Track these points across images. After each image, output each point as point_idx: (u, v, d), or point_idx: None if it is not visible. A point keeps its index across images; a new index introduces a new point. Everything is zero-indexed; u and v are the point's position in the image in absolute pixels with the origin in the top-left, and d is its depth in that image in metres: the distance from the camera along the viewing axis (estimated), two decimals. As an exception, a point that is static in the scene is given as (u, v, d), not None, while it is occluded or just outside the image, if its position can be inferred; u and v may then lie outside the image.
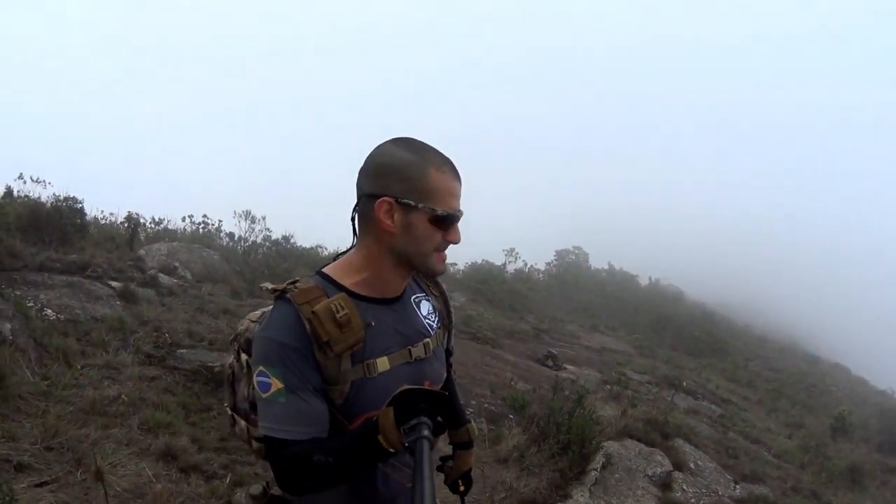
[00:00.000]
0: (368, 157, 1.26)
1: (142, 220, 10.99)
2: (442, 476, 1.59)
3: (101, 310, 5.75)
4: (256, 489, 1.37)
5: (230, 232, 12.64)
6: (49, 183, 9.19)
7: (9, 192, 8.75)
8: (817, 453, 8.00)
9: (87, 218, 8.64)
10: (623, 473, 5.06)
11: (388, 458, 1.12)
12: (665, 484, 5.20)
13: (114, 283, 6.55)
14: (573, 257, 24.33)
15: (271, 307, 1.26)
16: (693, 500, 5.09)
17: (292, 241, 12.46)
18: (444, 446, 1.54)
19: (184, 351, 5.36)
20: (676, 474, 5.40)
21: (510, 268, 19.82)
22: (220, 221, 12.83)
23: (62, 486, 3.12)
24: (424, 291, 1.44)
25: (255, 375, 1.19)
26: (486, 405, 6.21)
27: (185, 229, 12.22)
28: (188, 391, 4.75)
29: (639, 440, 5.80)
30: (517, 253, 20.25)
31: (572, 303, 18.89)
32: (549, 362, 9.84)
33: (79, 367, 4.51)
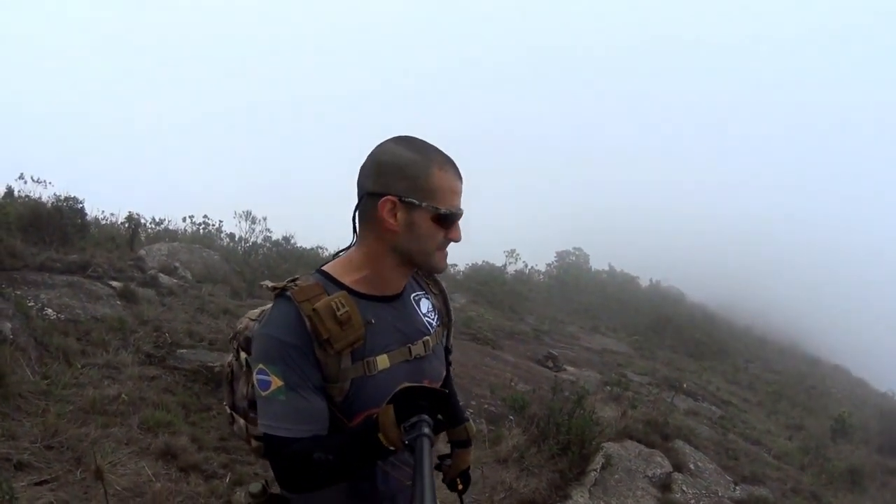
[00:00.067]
0: (370, 156, 1.26)
1: (142, 221, 11.03)
2: (440, 475, 1.58)
3: (101, 309, 5.75)
4: (255, 487, 1.37)
5: (231, 232, 12.67)
6: (50, 183, 9.25)
7: (9, 191, 8.77)
8: (817, 455, 7.99)
9: (88, 218, 8.65)
10: (623, 474, 5.06)
11: (388, 455, 1.12)
12: (665, 485, 5.19)
13: (114, 283, 6.55)
14: (574, 258, 24.33)
15: (271, 305, 1.26)
16: (693, 502, 5.08)
17: (293, 241, 12.47)
18: (442, 445, 1.54)
19: (184, 351, 5.37)
20: (676, 475, 5.39)
21: (510, 269, 19.86)
22: (220, 222, 12.87)
23: (62, 485, 3.12)
24: (424, 289, 1.44)
25: (254, 373, 1.19)
26: (486, 406, 6.21)
27: (185, 230, 12.25)
28: (188, 391, 4.75)
29: (639, 441, 5.79)
30: (518, 254, 20.29)
31: (573, 304, 18.89)
32: (550, 363, 9.85)
33: (79, 366, 4.52)
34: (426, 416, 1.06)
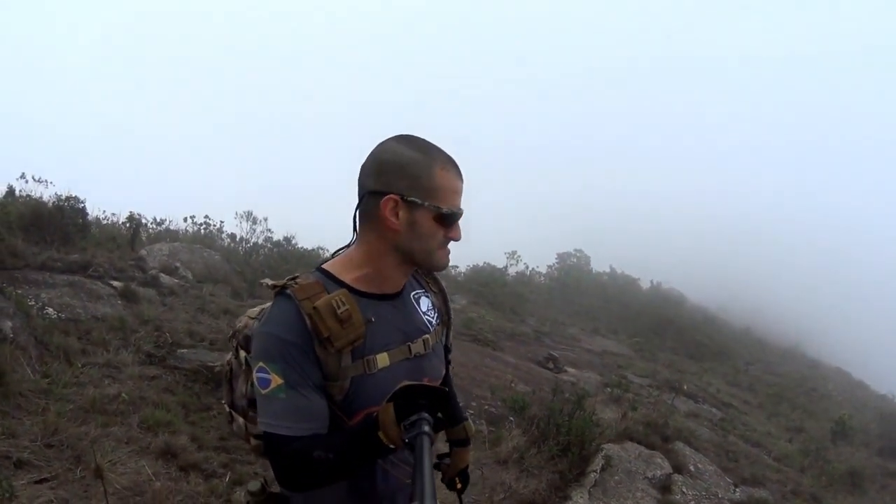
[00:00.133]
0: (371, 155, 1.26)
1: (143, 221, 11.04)
2: (439, 474, 1.58)
3: (102, 309, 5.76)
4: (255, 486, 1.37)
5: (231, 233, 12.69)
6: (51, 182, 9.25)
7: (11, 191, 8.79)
8: (817, 457, 7.99)
9: (89, 218, 8.66)
10: (623, 476, 5.05)
11: (388, 454, 1.12)
12: (665, 486, 5.19)
13: (115, 283, 6.56)
14: (575, 260, 24.33)
15: (271, 303, 1.26)
16: (693, 503, 5.08)
17: (294, 242, 12.47)
18: (441, 444, 1.54)
19: (184, 351, 5.37)
20: (676, 477, 5.39)
21: (512, 270, 19.86)
22: (221, 222, 12.88)
23: (62, 483, 3.12)
24: (424, 288, 1.44)
25: (254, 371, 1.19)
26: (487, 407, 6.21)
27: (186, 230, 12.25)
28: (188, 390, 4.75)
29: (639, 443, 5.78)
30: (519, 255, 20.28)
31: (573, 306, 18.89)
32: (550, 365, 9.85)
33: (79, 365, 4.52)
34: (426, 415, 1.05)
